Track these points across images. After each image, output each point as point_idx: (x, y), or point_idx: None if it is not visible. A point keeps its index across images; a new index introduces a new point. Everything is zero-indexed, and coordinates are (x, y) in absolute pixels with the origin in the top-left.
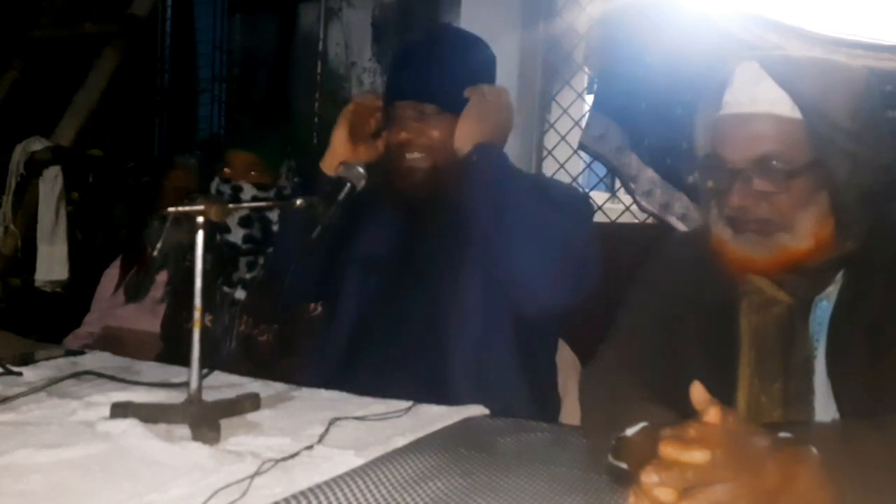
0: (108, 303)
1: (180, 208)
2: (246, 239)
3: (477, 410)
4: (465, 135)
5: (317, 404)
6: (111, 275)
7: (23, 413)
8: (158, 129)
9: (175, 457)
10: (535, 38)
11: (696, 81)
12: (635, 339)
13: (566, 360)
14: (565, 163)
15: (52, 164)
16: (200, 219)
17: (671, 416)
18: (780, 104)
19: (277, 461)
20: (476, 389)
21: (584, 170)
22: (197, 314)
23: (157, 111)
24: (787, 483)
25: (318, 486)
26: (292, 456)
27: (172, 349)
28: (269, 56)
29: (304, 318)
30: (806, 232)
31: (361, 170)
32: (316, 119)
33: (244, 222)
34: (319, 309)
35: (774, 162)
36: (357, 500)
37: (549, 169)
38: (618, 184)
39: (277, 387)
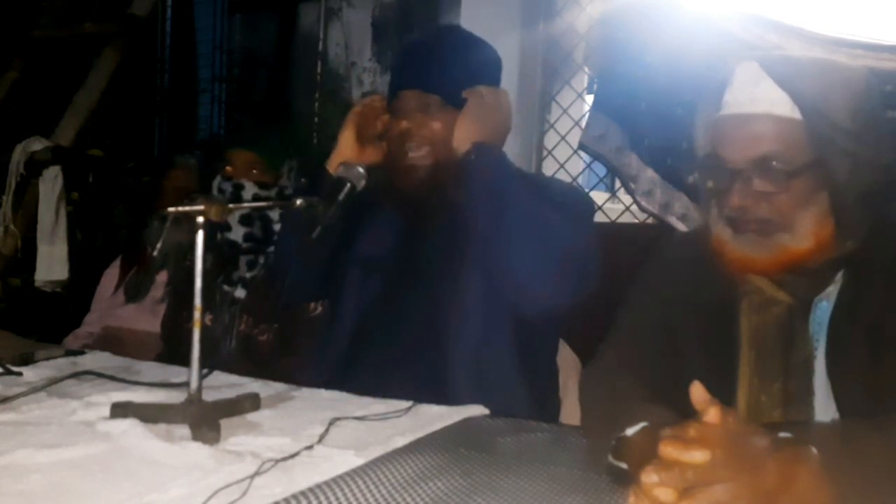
0: (108, 303)
1: (180, 208)
2: (246, 237)
3: (477, 410)
4: (464, 134)
5: (317, 404)
6: (111, 275)
7: (23, 413)
8: (158, 129)
9: (175, 457)
10: (535, 38)
11: (696, 81)
12: (635, 339)
13: (566, 360)
14: (565, 163)
15: (52, 164)
16: (200, 219)
17: (671, 416)
18: (779, 104)
19: (277, 461)
20: (476, 389)
21: (584, 170)
22: (197, 314)
23: (157, 111)
24: (787, 483)
25: (318, 486)
26: (292, 456)
27: (172, 349)
28: (269, 56)
29: (304, 317)
30: (806, 232)
31: (361, 170)
32: (316, 119)
33: (245, 221)
34: (319, 309)
35: (774, 162)
36: (357, 500)
37: (549, 169)
38: (618, 184)
39: (277, 387)
